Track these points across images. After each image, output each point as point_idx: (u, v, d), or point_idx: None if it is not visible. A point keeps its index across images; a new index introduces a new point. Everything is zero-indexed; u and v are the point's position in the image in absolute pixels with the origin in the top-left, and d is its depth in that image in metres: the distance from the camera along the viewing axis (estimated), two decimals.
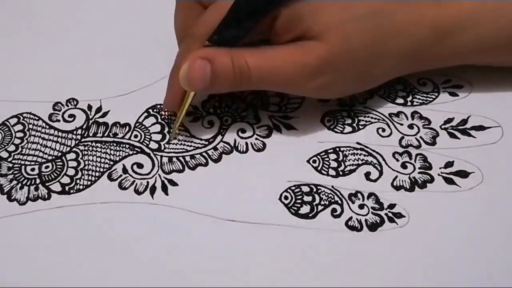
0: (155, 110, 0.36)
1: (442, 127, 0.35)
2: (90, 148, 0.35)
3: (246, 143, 0.35)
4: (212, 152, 0.34)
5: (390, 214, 0.31)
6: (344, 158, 0.34)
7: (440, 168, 0.33)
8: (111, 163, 0.34)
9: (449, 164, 0.33)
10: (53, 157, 0.34)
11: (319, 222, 0.31)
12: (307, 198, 0.32)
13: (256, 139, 0.35)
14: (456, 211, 0.31)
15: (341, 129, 0.35)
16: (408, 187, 0.32)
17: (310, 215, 0.31)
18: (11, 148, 0.35)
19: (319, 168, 0.33)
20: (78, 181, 0.33)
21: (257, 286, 0.29)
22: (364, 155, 0.34)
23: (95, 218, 0.32)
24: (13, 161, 0.34)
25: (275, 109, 0.36)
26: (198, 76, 0.31)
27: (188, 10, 0.35)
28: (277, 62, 0.31)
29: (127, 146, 0.35)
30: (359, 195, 0.32)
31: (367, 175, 0.33)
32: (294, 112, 0.36)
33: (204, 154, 0.34)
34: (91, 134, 0.35)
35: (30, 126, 0.36)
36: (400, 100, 0.36)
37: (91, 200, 0.32)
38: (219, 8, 0.32)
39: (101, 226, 0.31)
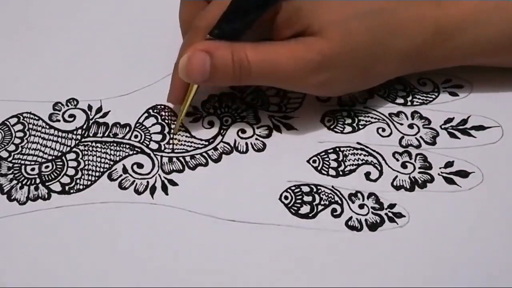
0: (155, 111, 0.36)
1: (442, 127, 0.35)
2: (90, 148, 0.35)
3: (246, 143, 0.35)
4: (212, 152, 0.34)
5: (390, 214, 0.31)
6: (344, 158, 0.34)
7: (440, 168, 0.33)
8: (111, 163, 0.34)
9: (449, 164, 0.33)
10: (53, 157, 0.34)
11: (319, 222, 0.31)
12: (307, 198, 0.32)
13: (256, 139, 0.35)
14: (456, 211, 0.31)
15: (341, 129, 0.35)
16: (408, 187, 0.32)
17: (310, 215, 0.31)
18: (11, 147, 0.35)
19: (319, 168, 0.33)
20: (78, 181, 0.33)
21: (257, 286, 0.29)
22: (364, 155, 0.34)
23: (95, 218, 0.32)
24: (13, 161, 0.34)
25: (275, 109, 0.36)
26: (197, 68, 0.31)
27: (193, 3, 0.35)
28: (277, 57, 0.31)
29: (127, 146, 0.35)
30: (359, 195, 0.32)
31: (367, 175, 0.33)
32: (294, 112, 0.36)
33: (204, 154, 0.34)
34: (91, 134, 0.35)
35: (30, 126, 0.36)
36: (400, 100, 0.36)
37: (91, 200, 0.32)
38: (221, 2, 0.32)
39: (101, 226, 0.31)
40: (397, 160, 0.34)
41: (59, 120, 0.36)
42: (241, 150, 0.34)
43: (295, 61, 0.31)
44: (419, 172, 0.33)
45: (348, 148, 0.34)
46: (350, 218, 0.31)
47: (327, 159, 0.34)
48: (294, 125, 0.35)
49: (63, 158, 0.34)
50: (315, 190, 0.32)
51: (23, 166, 0.34)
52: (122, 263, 0.30)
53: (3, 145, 0.35)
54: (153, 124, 0.36)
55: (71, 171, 0.34)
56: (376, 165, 0.33)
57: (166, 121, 0.36)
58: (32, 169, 0.34)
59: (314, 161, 0.34)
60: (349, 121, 0.35)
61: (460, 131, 0.35)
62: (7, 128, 0.36)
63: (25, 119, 0.36)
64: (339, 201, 0.32)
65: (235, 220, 0.31)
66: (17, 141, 0.35)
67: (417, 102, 0.36)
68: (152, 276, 0.29)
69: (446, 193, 0.32)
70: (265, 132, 0.35)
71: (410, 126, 0.35)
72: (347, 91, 0.35)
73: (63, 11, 0.43)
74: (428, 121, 0.35)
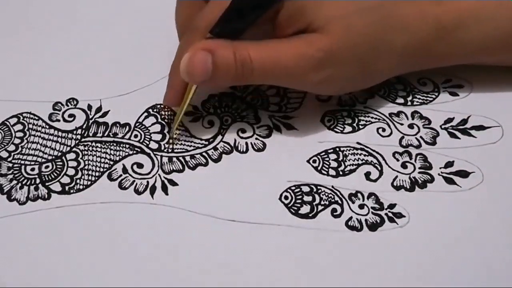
0: (155, 110, 0.36)
1: (443, 127, 0.35)
2: (90, 148, 0.35)
3: (246, 143, 0.35)
4: (212, 152, 0.34)
5: (390, 214, 0.31)
6: (344, 158, 0.34)
7: (440, 168, 0.33)
8: (111, 163, 0.34)
9: (449, 164, 0.33)
10: (53, 157, 0.34)
11: (319, 222, 0.31)
12: (307, 198, 0.32)
13: (256, 139, 0.35)
14: (456, 211, 0.31)
15: (341, 129, 0.35)
16: (408, 187, 0.32)
17: (310, 215, 0.31)
18: (11, 148, 0.35)
19: (319, 168, 0.33)
20: (78, 181, 0.33)
21: (257, 286, 0.29)
22: (364, 155, 0.34)
23: (95, 218, 0.32)
24: (13, 161, 0.34)
25: (275, 109, 0.36)
26: (199, 68, 0.31)
27: (189, 4, 0.35)
28: (279, 54, 0.31)
29: (127, 146, 0.35)
30: (359, 195, 0.32)
31: (367, 175, 0.33)
32: (294, 112, 0.36)
33: (204, 154, 0.34)
34: (91, 134, 0.35)
35: (30, 126, 0.36)
36: (400, 100, 0.36)
37: (91, 200, 0.32)
38: (220, 2, 0.31)
39: (101, 226, 0.31)
40: (397, 160, 0.34)
41: (59, 120, 0.36)
42: (241, 150, 0.34)
43: (298, 58, 0.31)
44: (419, 172, 0.33)
45: (348, 148, 0.34)
46: (350, 218, 0.31)
47: (327, 159, 0.34)
48: (294, 125, 0.35)
49: (63, 158, 0.34)
50: (315, 190, 0.32)
51: (23, 166, 0.34)
52: (122, 263, 0.30)
53: (3, 145, 0.35)
54: (153, 124, 0.36)
55: (71, 171, 0.34)
56: (376, 165, 0.33)
57: (166, 120, 0.36)
58: (32, 169, 0.34)
59: (314, 161, 0.34)
60: (349, 121, 0.35)
61: (460, 131, 0.35)
62: (7, 128, 0.36)
63: (25, 119, 0.36)
64: (339, 201, 0.32)
65: (235, 220, 0.31)
66: (17, 141, 0.35)
67: (417, 102, 0.36)
68: (152, 276, 0.29)
69: (446, 193, 0.32)
70: (265, 132, 0.35)
71: (410, 126, 0.35)
72: (349, 89, 0.35)
73: (63, 11, 0.43)
74: (428, 121, 0.35)
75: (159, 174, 0.33)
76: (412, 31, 0.32)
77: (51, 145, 0.35)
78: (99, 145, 0.35)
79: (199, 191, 0.33)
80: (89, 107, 0.37)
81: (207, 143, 0.35)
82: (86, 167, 0.34)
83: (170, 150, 0.34)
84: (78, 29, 0.42)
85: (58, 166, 0.34)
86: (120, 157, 0.34)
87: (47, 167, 0.34)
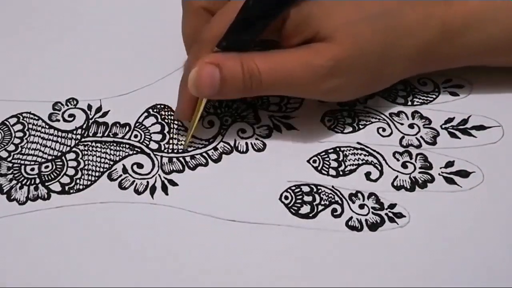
0: (155, 110, 0.36)
1: (443, 126, 0.35)
2: (90, 148, 0.35)
3: (246, 143, 0.35)
4: (212, 152, 0.34)
5: (390, 214, 0.31)
6: (345, 158, 0.34)
7: (440, 167, 0.33)
8: (111, 163, 0.34)
9: (449, 164, 0.33)
10: (53, 157, 0.34)
11: (319, 222, 0.31)
12: (307, 198, 0.32)
13: (256, 139, 0.35)
14: (457, 211, 0.31)
15: (342, 129, 0.35)
16: (408, 187, 0.32)
17: (310, 215, 0.31)
18: (11, 147, 0.35)
19: (319, 168, 0.33)
20: (78, 181, 0.33)
21: (257, 286, 0.29)
22: (365, 155, 0.34)
23: (95, 218, 0.32)
24: (13, 161, 0.34)
25: (275, 109, 0.36)
26: (207, 82, 0.31)
27: (196, 17, 0.34)
28: (288, 65, 0.31)
29: (127, 146, 0.35)
30: (359, 195, 0.32)
31: (368, 175, 0.33)
32: (294, 112, 0.36)
33: (204, 154, 0.34)
34: (91, 134, 0.35)
35: (30, 126, 0.36)
36: (401, 100, 0.36)
37: (91, 200, 0.32)
38: (227, 13, 0.31)
39: (101, 226, 0.31)
40: (398, 160, 0.34)
41: (58, 120, 0.36)
42: (241, 150, 0.34)
43: (306, 68, 0.31)
44: (420, 172, 0.33)
45: (348, 148, 0.34)
46: (351, 218, 0.31)
47: (327, 159, 0.34)
48: (294, 125, 0.35)
49: (63, 158, 0.34)
50: (315, 190, 0.32)
51: (22, 166, 0.34)
52: (122, 263, 0.30)
53: (2, 145, 0.35)
54: (153, 124, 0.36)
55: (71, 171, 0.34)
56: (376, 165, 0.33)
57: (166, 120, 0.36)
58: (32, 169, 0.34)
59: (314, 161, 0.34)
60: (349, 121, 0.35)
61: (460, 131, 0.35)
62: (6, 128, 0.36)
63: (25, 119, 0.36)
64: (339, 201, 0.32)
65: (235, 220, 0.31)
66: (16, 141, 0.35)
67: (417, 102, 0.36)
68: (152, 276, 0.29)
69: (447, 193, 0.32)
70: (265, 132, 0.35)
71: (411, 126, 0.35)
72: (358, 95, 0.34)
73: (63, 12, 0.43)
74: (429, 121, 0.35)
75: (159, 174, 0.33)
76: (418, 35, 0.32)
77: (51, 145, 0.35)
78: (99, 145, 0.35)
79: (199, 191, 0.33)
80: (89, 107, 0.37)
81: (207, 143, 0.35)
82: (86, 167, 0.34)
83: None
84: (78, 29, 0.42)
85: (58, 166, 0.34)
86: (120, 157, 0.34)
87: (47, 167, 0.34)
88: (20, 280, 0.30)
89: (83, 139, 0.35)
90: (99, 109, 0.37)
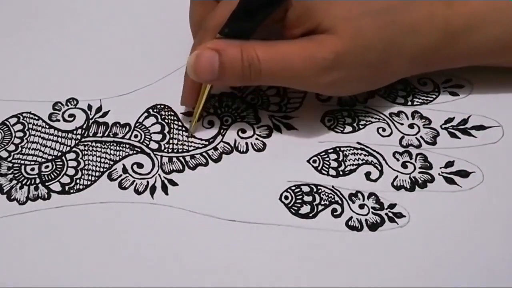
0: (155, 110, 0.36)
1: (443, 126, 0.35)
2: (90, 148, 0.35)
3: (246, 143, 0.35)
4: (212, 152, 0.34)
5: (390, 214, 0.31)
6: (344, 158, 0.34)
7: (440, 167, 0.33)
8: (111, 163, 0.34)
9: (449, 164, 0.33)
10: (53, 157, 0.34)
11: (319, 222, 0.31)
12: (307, 198, 0.32)
13: (256, 139, 0.35)
14: (457, 211, 0.31)
15: (342, 129, 0.35)
16: (408, 187, 0.32)
17: (310, 215, 0.31)
18: (11, 147, 0.35)
19: (319, 168, 0.33)
20: (78, 181, 0.33)
21: (257, 286, 0.29)
22: (365, 155, 0.34)
23: (95, 218, 0.32)
24: (13, 161, 0.34)
25: (275, 109, 0.36)
26: (205, 66, 0.31)
27: (202, 5, 0.35)
28: (289, 55, 0.30)
29: (127, 146, 0.35)
30: (359, 195, 0.32)
31: (368, 175, 0.33)
32: (294, 112, 0.36)
33: (204, 154, 0.34)
34: (91, 134, 0.35)
35: (30, 125, 0.36)
36: (401, 100, 0.36)
37: (91, 200, 0.32)
38: (230, 1, 0.31)
39: (101, 226, 0.31)
40: (398, 160, 0.34)
41: (59, 120, 0.36)
42: (241, 150, 0.34)
43: (307, 59, 0.30)
44: (420, 172, 0.33)
45: (348, 148, 0.34)
46: (350, 218, 0.31)
47: (327, 159, 0.34)
48: (294, 125, 0.35)
49: (63, 158, 0.34)
50: (315, 190, 0.32)
51: (23, 166, 0.34)
52: (122, 263, 0.30)
53: (3, 145, 0.35)
54: (153, 124, 0.36)
55: (71, 171, 0.34)
56: (376, 165, 0.33)
57: (166, 120, 0.36)
58: (32, 169, 0.34)
59: (314, 161, 0.34)
60: (349, 121, 0.35)
61: (460, 131, 0.35)
62: (7, 128, 0.36)
63: (25, 119, 0.36)
64: (339, 201, 0.32)
65: (235, 220, 0.31)
66: (17, 141, 0.35)
67: (417, 102, 0.36)
68: (152, 276, 0.29)
69: (447, 193, 0.32)
70: (265, 132, 0.35)
71: (411, 126, 0.35)
72: (358, 90, 0.34)
73: (63, 11, 0.43)
74: (429, 121, 0.35)
75: (159, 174, 0.33)
76: (422, 34, 0.32)
77: (51, 145, 0.35)
78: (99, 145, 0.35)
79: (199, 191, 0.33)
80: (89, 107, 0.37)
81: (207, 143, 0.35)
82: (86, 167, 0.34)
83: (170, 150, 0.34)
84: (78, 29, 0.42)
85: (58, 166, 0.34)
86: (120, 157, 0.34)
87: (47, 167, 0.34)
88: (20, 280, 0.30)
89: (83, 139, 0.35)
90: (99, 109, 0.37)
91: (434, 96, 0.36)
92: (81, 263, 0.30)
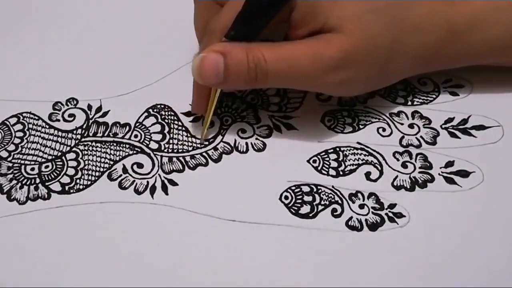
0: (155, 110, 0.36)
1: (443, 126, 0.35)
2: (90, 148, 0.35)
3: (246, 143, 0.35)
4: (212, 152, 0.34)
5: (390, 214, 0.31)
6: (344, 158, 0.34)
7: (440, 167, 0.33)
8: (111, 163, 0.34)
9: (449, 164, 0.33)
10: (53, 157, 0.34)
11: (319, 222, 0.31)
12: (307, 198, 0.32)
13: (256, 139, 0.35)
14: (457, 211, 0.31)
15: (342, 129, 0.35)
16: (408, 186, 0.32)
17: (310, 215, 0.31)
18: (11, 147, 0.35)
19: (319, 168, 0.33)
20: (78, 180, 0.33)
21: (257, 286, 0.29)
22: (365, 155, 0.34)
23: (95, 218, 0.32)
24: (13, 161, 0.34)
25: (275, 109, 0.36)
26: (210, 69, 0.30)
27: (207, 10, 0.34)
28: (296, 55, 0.30)
29: (127, 146, 0.35)
30: (359, 195, 0.32)
31: (368, 175, 0.33)
32: (294, 112, 0.36)
33: (204, 154, 0.34)
34: (91, 134, 0.35)
35: (30, 125, 0.36)
36: (401, 100, 0.36)
37: (91, 200, 0.32)
38: (235, 3, 0.31)
39: (101, 226, 0.31)
40: (398, 160, 0.34)
41: (59, 120, 0.36)
42: (241, 150, 0.34)
43: (314, 58, 0.30)
44: (420, 172, 0.33)
45: (348, 148, 0.34)
46: (350, 218, 0.31)
47: (327, 159, 0.34)
48: (294, 125, 0.35)
49: (63, 158, 0.34)
50: (315, 190, 0.32)
51: (23, 166, 0.34)
52: (122, 263, 0.30)
53: (3, 145, 0.35)
54: (153, 124, 0.36)
55: (71, 171, 0.34)
56: (376, 165, 0.33)
57: (166, 120, 0.36)
58: (32, 169, 0.34)
59: (314, 161, 0.34)
60: (349, 121, 0.35)
61: (460, 131, 0.35)
62: (7, 128, 0.36)
63: (25, 119, 0.36)
64: (339, 201, 0.32)
65: (235, 220, 0.31)
66: (17, 141, 0.35)
67: (417, 101, 0.36)
68: (152, 276, 0.29)
69: (447, 193, 0.32)
70: (265, 132, 0.35)
71: (411, 125, 0.35)
72: (364, 90, 0.34)
73: (63, 11, 0.43)
74: (429, 121, 0.35)
75: (159, 174, 0.33)
76: (424, 32, 0.32)
77: (51, 145, 0.35)
78: (99, 145, 0.35)
79: (199, 191, 0.33)
80: (89, 107, 0.37)
81: (207, 143, 0.35)
82: (86, 167, 0.34)
83: (170, 150, 0.34)
84: (78, 29, 0.42)
85: (58, 166, 0.34)
86: (120, 157, 0.34)
87: (47, 167, 0.34)
88: (20, 280, 0.30)
89: (83, 139, 0.35)
90: (99, 109, 0.37)
91: (434, 96, 0.36)
92: (81, 263, 0.30)
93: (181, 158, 0.34)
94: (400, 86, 0.37)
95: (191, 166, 0.34)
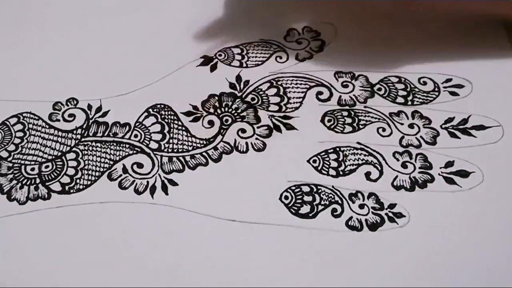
0: (155, 110, 0.36)
1: (443, 126, 0.35)
2: (90, 148, 0.35)
3: (246, 143, 0.35)
4: (212, 152, 0.34)
5: (390, 214, 0.31)
6: (344, 158, 0.34)
7: (440, 167, 0.33)
8: (111, 162, 0.34)
9: (449, 164, 0.33)
10: (53, 157, 0.34)
11: (319, 222, 0.31)
12: (307, 198, 0.32)
13: (256, 139, 0.35)
14: (457, 211, 0.31)
15: (341, 129, 0.35)
16: (408, 186, 0.32)
17: (310, 215, 0.31)
18: (11, 147, 0.35)
19: (319, 168, 0.33)
20: (78, 180, 0.33)
21: (257, 286, 0.29)
22: (365, 155, 0.34)
23: (95, 218, 0.32)
24: (13, 161, 0.34)
25: (275, 109, 0.36)
26: None
27: None
28: None
29: (127, 145, 0.35)
30: (359, 195, 0.32)
31: (368, 175, 0.33)
32: (294, 112, 0.36)
33: (204, 154, 0.34)
34: (91, 134, 0.35)
35: (30, 125, 0.36)
36: (401, 100, 0.36)
37: (91, 200, 0.32)
38: None
39: (101, 226, 0.31)
40: (397, 160, 0.34)
41: (59, 120, 0.36)
42: (241, 150, 0.34)
43: None
44: (420, 172, 0.33)
45: (348, 148, 0.34)
46: (350, 218, 0.31)
47: (327, 159, 0.34)
48: (294, 125, 0.35)
49: (63, 158, 0.34)
50: (315, 190, 0.32)
51: (23, 166, 0.34)
52: (122, 263, 0.30)
53: (3, 145, 0.35)
54: (153, 124, 0.36)
55: (71, 171, 0.34)
56: (376, 165, 0.33)
57: (166, 120, 0.36)
58: (32, 169, 0.34)
59: (314, 161, 0.34)
60: (349, 120, 0.35)
61: (460, 131, 0.35)
62: (7, 128, 0.36)
63: (25, 119, 0.36)
64: (339, 201, 0.32)
65: (235, 220, 0.31)
66: (17, 141, 0.35)
67: (417, 101, 0.36)
68: (152, 276, 0.29)
69: (447, 193, 0.32)
70: (265, 132, 0.35)
71: (411, 125, 0.35)
72: None
73: (63, 11, 0.43)
74: (429, 121, 0.35)
75: (159, 174, 0.33)
76: None
77: (51, 145, 0.35)
78: (99, 145, 0.35)
79: (199, 191, 0.33)
80: (89, 107, 0.37)
81: (207, 143, 0.35)
82: (86, 167, 0.34)
83: (170, 150, 0.35)
84: (78, 29, 0.42)
85: (58, 166, 0.34)
86: (120, 157, 0.34)
87: (47, 167, 0.34)
88: (20, 280, 0.30)
89: (83, 139, 0.35)
90: (99, 109, 0.37)
91: (434, 96, 0.36)
92: (81, 263, 0.30)
93: (181, 158, 0.34)
94: (400, 85, 0.37)
95: (191, 166, 0.34)
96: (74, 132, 0.35)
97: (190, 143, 0.35)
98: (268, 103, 0.36)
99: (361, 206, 0.32)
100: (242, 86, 0.37)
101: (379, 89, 0.37)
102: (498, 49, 0.38)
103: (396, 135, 0.35)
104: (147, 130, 0.35)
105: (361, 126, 0.35)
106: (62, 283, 0.29)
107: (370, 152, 0.34)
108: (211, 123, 0.36)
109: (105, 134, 0.35)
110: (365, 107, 0.36)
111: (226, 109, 0.36)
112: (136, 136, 0.35)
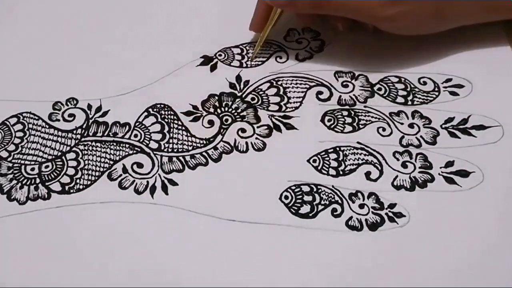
0: (155, 110, 0.36)
1: (443, 126, 0.35)
2: (90, 148, 0.35)
3: (246, 143, 0.35)
4: (212, 152, 0.34)
5: (390, 214, 0.31)
6: (345, 158, 0.34)
7: (440, 167, 0.33)
8: (111, 162, 0.34)
9: (449, 164, 0.33)
10: (53, 157, 0.34)
11: (319, 221, 0.31)
12: (307, 198, 0.32)
13: (256, 138, 0.35)
14: (457, 210, 0.31)
15: (342, 129, 0.35)
16: (408, 186, 0.32)
17: (311, 214, 0.31)
18: (11, 147, 0.35)
19: (319, 168, 0.33)
20: (78, 180, 0.33)
21: (257, 286, 0.29)
22: (365, 155, 0.34)
23: (95, 218, 0.32)
24: (13, 161, 0.34)
25: (275, 109, 0.36)
26: None
27: None
28: None
29: (127, 145, 0.35)
30: (359, 194, 0.32)
31: (368, 174, 0.33)
32: (294, 112, 0.36)
33: (204, 153, 0.34)
34: (91, 134, 0.35)
35: (30, 125, 0.36)
36: (401, 99, 0.36)
37: (91, 199, 0.32)
38: None
39: (101, 225, 0.31)
40: (398, 159, 0.34)
41: (58, 120, 0.36)
42: (241, 150, 0.34)
43: None
44: (420, 172, 0.33)
45: (348, 148, 0.34)
46: (350, 218, 0.31)
47: (327, 158, 0.34)
48: (294, 125, 0.35)
49: (63, 157, 0.34)
50: (315, 189, 0.32)
51: (23, 166, 0.34)
52: (122, 263, 0.30)
53: (3, 145, 0.35)
54: (153, 123, 0.36)
55: (71, 171, 0.34)
56: (376, 164, 0.33)
57: (166, 120, 0.36)
58: (32, 169, 0.34)
59: (314, 161, 0.34)
60: (349, 120, 0.35)
61: (460, 131, 0.35)
62: (7, 128, 0.36)
63: (25, 118, 0.36)
64: (339, 201, 0.32)
65: (235, 220, 0.31)
66: (17, 141, 0.35)
67: (417, 101, 0.36)
68: (152, 276, 0.29)
69: (447, 193, 0.32)
70: (265, 132, 0.35)
71: (411, 125, 0.35)
72: (418, 29, 0.35)
73: (63, 11, 0.43)
74: (429, 121, 0.35)
75: (159, 174, 0.33)
76: None
77: (51, 145, 0.35)
78: (99, 144, 0.35)
79: (199, 191, 0.33)
80: (89, 106, 0.37)
81: (207, 142, 0.35)
82: (86, 167, 0.34)
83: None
84: (79, 29, 0.42)
85: (58, 166, 0.34)
86: (120, 156, 0.34)
87: (47, 167, 0.34)
88: (20, 280, 0.30)
89: (83, 139, 0.35)
90: (99, 108, 0.37)
91: (434, 96, 0.36)
92: (81, 263, 0.30)
93: (181, 158, 0.34)
94: (401, 85, 0.37)
95: (191, 166, 0.34)
96: (74, 132, 0.35)
97: (190, 143, 0.35)
98: (268, 103, 0.36)
99: (361, 206, 0.32)
100: (242, 86, 0.37)
101: (379, 89, 0.37)
102: (498, 49, 0.38)
103: (396, 135, 0.35)
104: (147, 130, 0.35)
105: (361, 126, 0.35)
106: (62, 283, 0.29)
107: (370, 151, 0.34)
108: (211, 122, 0.36)
109: (105, 134, 0.35)
110: (365, 106, 0.36)
111: (226, 108, 0.36)
112: (136, 136, 0.35)
